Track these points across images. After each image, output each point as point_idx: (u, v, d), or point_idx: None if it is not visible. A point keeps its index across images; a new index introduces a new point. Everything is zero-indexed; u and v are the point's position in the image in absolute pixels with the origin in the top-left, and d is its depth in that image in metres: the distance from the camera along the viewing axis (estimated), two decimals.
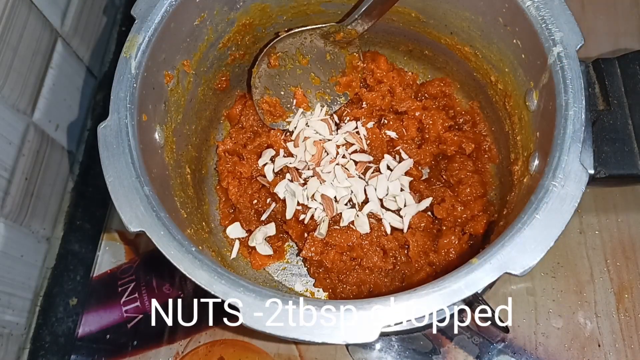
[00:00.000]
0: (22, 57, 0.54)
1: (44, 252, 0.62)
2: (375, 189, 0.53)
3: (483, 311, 0.50)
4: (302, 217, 0.53)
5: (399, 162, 0.55)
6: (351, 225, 0.52)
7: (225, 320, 0.54)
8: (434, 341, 0.53)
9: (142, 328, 0.56)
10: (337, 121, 0.58)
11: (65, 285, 0.61)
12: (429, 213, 0.54)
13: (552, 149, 0.39)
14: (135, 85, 0.43)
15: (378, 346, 0.54)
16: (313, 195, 0.53)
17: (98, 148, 0.41)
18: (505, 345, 0.53)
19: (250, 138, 0.57)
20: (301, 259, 0.55)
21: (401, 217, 0.52)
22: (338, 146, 0.55)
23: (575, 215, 0.37)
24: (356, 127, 0.56)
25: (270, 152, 0.56)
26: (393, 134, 0.56)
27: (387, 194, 0.53)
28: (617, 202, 0.57)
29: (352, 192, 0.53)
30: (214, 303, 0.56)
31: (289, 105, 0.57)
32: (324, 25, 0.53)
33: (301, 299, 0.36)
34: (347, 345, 0.53)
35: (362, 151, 0.56)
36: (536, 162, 0.44)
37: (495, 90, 0.52)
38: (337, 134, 0.56)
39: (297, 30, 0.53)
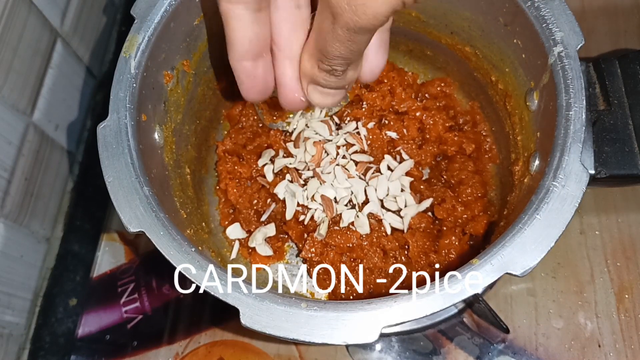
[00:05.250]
0: (21, 57, 0.54)
1: (44, 253, 0.61)
2: (376, 190, 0.53)
3: (483, 311, 0.50)
4: (302, 217, 0.53)
5: (400, 162, 0.55)
6: (351, 226, 0.52)
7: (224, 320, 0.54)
8: (434, 342, 0.53)
9: (142, 328, 0.56)
10: (338, 121, 0.58)
11: (65, 286, 0.61)
12: (430, 213, 0.54)
13: (552, 149, 0.39)
14: (134, 85, 0.43)
15: (378, 347, 0.53)
16: (313, 196, 0.53)
17: (97, 148, 0.41)
18: (505, 345, 0.53)
19: (250, 138, 0.57)
20: (301, 259, 0.54)
21: (401, 217, 0.52)
22: (338, 147, 0.55)
23: (575, 216, 0.37)
24: (356, 128, 0.56)
25: (270, 153, 0.56)
26: (394, 135, 0.56)
27: (387, 195, 0.53)
28: (618, 203, 0.57)
29: (352, 192, 0.53)
30: (213, 304, 0.56)
31: None
32: None
33: (301, 299, 0.36)
34: (347, 346, 0.53)
35: (363, 152, 0.56)
36: (537, 162, 0.44)
37: (495, 90, 0.51)
38: (337, 134, 0.56)
39: None
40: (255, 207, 0.55)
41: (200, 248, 0.40)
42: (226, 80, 0.57)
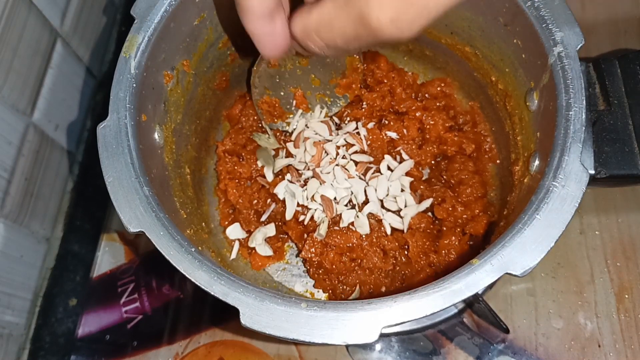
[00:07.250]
0: (21, 57, 0.53)
1: (44, 253, 0.61)
2: (376, 190, 0.53)
3: (483, 311, 0.50)
4: (301, 218, 0.53)
5: (400, 162, 0.55)
6: (351, 226, 0.52)
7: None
8: (434, 342, 0.53)
9: (142, 329, 0.56)
10: (338, 122, 0.58)
11: (65, 286, 0.61)
12: (430, 213, 0.54)
13: (552, 149, 0.39)
14: (134, 85, 0.43)
15: (378, 347, 0.53)
16: (313, 196, 0.53)
17: (97, 148, 0.41)
18: (505, 346, 0.52)
19: (250, 138, 0.57)
20: (301, 259, 0.54)
21: (401, 217, 0.52)
22: (338, 147, 0.55)
23: (575, 216, 0.37)
24: (356, 128, 0.56)
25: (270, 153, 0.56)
26: (394, 135, 0.56)
27: (387, 195, 0.53)
28: (618, 203, 0.57)
29: (352, 192, 0.53)
30: (213, 304, 0.56)
31: (288, 106, 0.57)
32: None
33: (301, 299, 0.36)
34: (347, 346, 0.53)
35: (363, 152, 0.56)
36: (537, 162, 0.44)
37: (495, 90, 0.51)
38: (337, 134, 0.56)
39: None
40: (255, 207, 0.55)
41: (200, 248, 0.40)
42: (226, 81, 0.57)
